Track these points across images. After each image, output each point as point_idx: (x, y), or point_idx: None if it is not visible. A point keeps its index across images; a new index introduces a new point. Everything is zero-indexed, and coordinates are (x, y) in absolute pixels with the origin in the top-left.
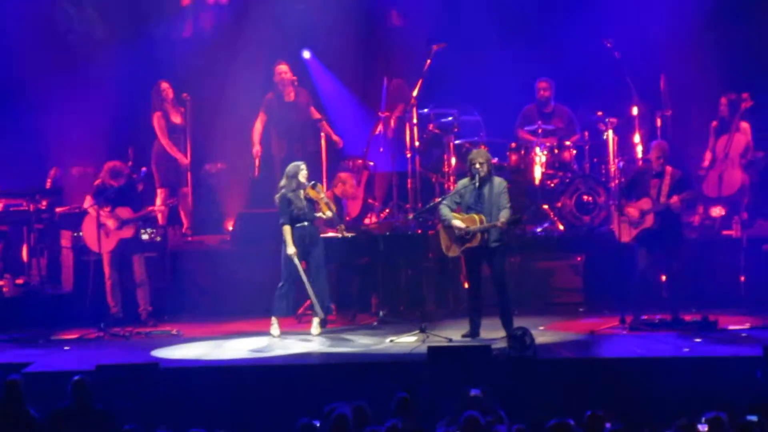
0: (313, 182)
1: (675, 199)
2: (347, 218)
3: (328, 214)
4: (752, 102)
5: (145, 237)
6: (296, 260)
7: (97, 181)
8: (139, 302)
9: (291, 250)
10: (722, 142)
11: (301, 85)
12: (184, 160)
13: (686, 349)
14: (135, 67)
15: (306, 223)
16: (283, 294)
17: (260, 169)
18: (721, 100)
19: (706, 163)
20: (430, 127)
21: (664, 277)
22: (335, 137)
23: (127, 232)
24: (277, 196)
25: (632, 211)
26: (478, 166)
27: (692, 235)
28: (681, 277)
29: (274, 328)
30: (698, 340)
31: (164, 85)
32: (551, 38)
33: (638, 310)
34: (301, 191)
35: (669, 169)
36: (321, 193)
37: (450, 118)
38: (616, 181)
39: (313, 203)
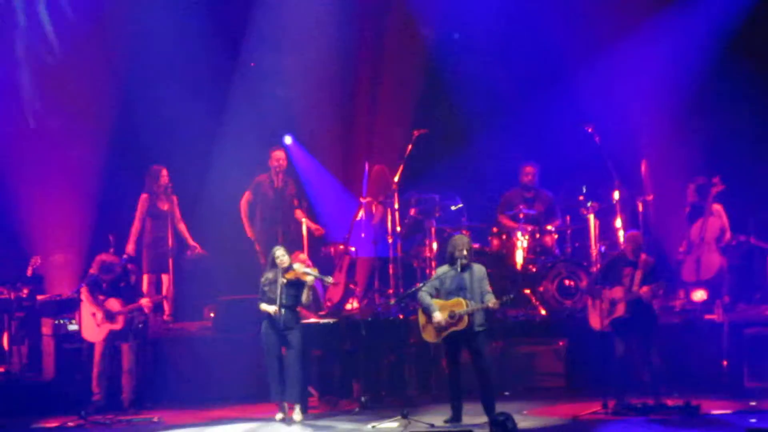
0: (286, 267)
1: (645, 289)
2: (328, 303)
3: (303, 299)
4: (723, 186)
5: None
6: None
7: (92, 270)
8: (123, 388)
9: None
10: (696, 227)
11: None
12: (192, 243)
13: (753, 420)
14: (115, 153)
15: (283, 311)
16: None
17: (248, 253)
18: (689, 186)
19: (683, 248)
20: (412, 212)
21: None
22: (314, 226)
23: (118, 324)
24: None
25: (603, 302)
26: (463, 252)
27: (674, 319)
28: (660, 362)
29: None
30: (753, 420)
31: (164, 171)
32: (532, 123)
33: (621, 394)
34: (281, 277)
35: (643, 257)
36: (299, 271)
37: (432, 203)
38: (598, 266)
39: (297, 287)
